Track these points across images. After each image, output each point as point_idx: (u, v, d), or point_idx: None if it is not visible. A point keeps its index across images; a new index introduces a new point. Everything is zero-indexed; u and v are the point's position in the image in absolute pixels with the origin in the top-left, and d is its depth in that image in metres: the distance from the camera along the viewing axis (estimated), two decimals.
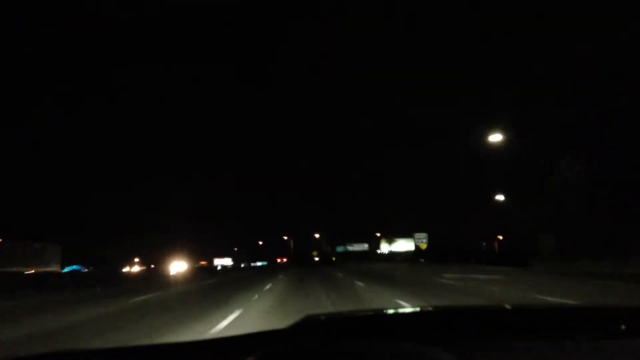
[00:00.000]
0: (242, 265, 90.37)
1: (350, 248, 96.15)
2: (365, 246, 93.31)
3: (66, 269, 66.07)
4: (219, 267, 60.28)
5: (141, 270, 55.56)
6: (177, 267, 54.37)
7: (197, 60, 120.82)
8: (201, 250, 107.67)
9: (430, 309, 2.73)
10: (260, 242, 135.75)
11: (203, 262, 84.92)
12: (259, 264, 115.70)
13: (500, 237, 68.78)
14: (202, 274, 45.00)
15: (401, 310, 2.11)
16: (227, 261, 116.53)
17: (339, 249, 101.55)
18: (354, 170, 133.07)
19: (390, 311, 2.04)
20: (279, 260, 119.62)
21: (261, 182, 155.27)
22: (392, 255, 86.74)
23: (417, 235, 54.25)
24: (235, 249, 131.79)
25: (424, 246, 61.69)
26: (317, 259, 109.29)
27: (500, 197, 52.17)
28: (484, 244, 66.32)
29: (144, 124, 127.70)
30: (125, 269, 58.78)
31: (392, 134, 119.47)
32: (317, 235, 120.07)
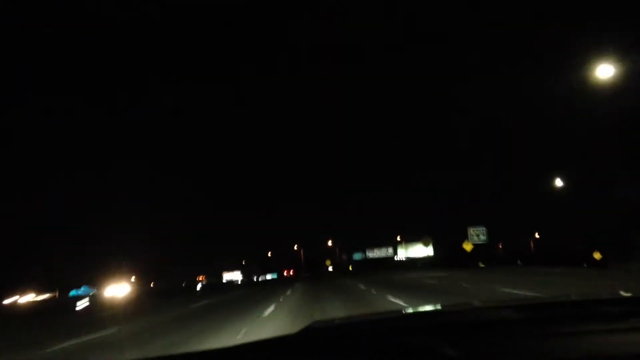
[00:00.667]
0: (240, 281, 74.39)
1: (370, 254, 79.76)
2: (390, 251, 77.12)
3: (74, 292, 52.14)
4: (198, 287, 44.71)
5: (34, 302, 38.58)
6: (113, 291, 37.83)
7: (195, 62, 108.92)
8: (206, 265, 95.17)
9: (439, 308, 2.33)
10: (270, 254, 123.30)
11: (201, 277, 69.72)
12: (268, 277, 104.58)
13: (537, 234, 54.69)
14: (156, 300, 29.63)
15: (410, 311, 2.00)
16: (237, 275, 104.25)
17: (356, 256, 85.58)
18: (361, 170, 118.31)
19: (401, 312, 1.97)
20: (285, 273, 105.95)
21: (264, 189, 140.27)
22: (412, 261, 71.83)
23: (472, 229, 38.82)
24: (244, 262, 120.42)
25: (469, 247, 45.98)
26: (331, 268, 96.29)
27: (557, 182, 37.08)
28: (500, 245, 53.29)
29: (144, 123, 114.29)
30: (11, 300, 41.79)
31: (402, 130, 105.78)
32: (330, 243, 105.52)
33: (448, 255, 59.42)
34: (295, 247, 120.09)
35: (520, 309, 1.75)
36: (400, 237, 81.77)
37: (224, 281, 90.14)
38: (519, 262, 42.51)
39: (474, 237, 38.54)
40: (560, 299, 2.04)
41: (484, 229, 38.27)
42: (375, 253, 78.94)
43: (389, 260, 76.52)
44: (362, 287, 22.70)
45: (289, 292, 23.71)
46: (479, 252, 46.97)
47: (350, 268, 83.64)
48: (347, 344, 1.39)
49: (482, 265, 39.07)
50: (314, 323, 1.62)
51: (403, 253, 76.59)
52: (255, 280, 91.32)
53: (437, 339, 1.31)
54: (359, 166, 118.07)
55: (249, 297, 25.40)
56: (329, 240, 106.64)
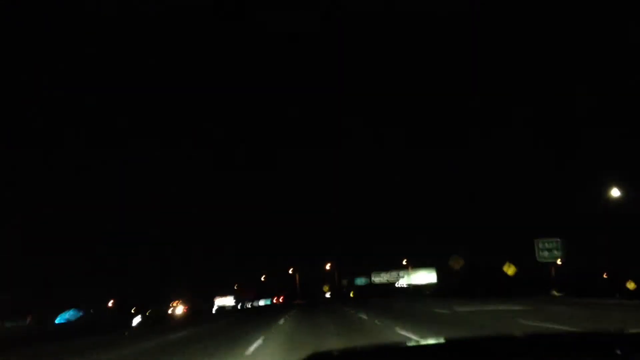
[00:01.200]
0: (215, 308, 60.64)
1: (376, 279, 67.38)
2: (400, 275, 64.94)
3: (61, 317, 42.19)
4: (134, 322, 32.05)
5: None
6: None
7: (192, 69, 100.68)
8: (197, 289, 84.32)
9: (440, 341, 2.39)
10: (263, 278, 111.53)
11: (175, 303, 54.78)
12: (262, 302, 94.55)
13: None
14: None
15: (409, 344, 1.93)
16: (229, 300, 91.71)
17: (359, 280, 73.48)
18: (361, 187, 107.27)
19: (400, 345, 1.90)
20: (275, 300, 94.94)
21: (259, 207, 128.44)
22: (417, 288, 60.70)
23: (542, 242, 27.25)
24: (236, 286, 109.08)
25: (512, 270, 34.64)
26: (328, 295, 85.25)
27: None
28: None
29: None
30: None
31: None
32: (328, 266, 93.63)
33: (465, 280, 47.84)
34: (291, 271, 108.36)
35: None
36: (406, 261, 70.70)
37: (215, 307, 79.09)
38: (555, 293, 31.58)
39: (544, 253, 27.41)
40: None
41: (560, 241, 26.80)
42: (382, 277, 66.78)
43: (390, 287, 65.28)
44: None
45: (258, 342, 12.24)
46: (532, 273, 35.72)
47: (352, 294, 71.90)
48: None
49: (557, 293, 27.68)
50: (313, 355, 1.55)
51: (415, 278, 65.04)
52: (240, 307, 79.42)
53: None
54: (359, 182, 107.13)
55: (199, 340, 14.02)
56: (327, 263, 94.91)
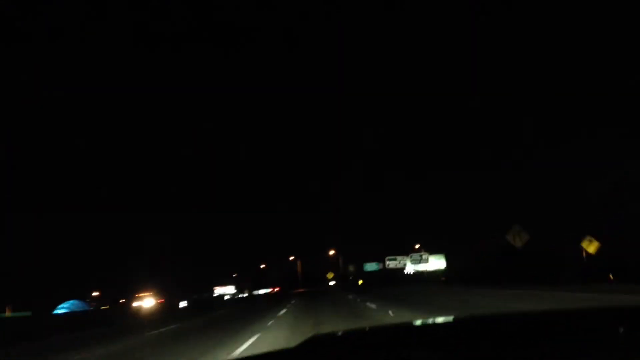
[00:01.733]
0: (185, 305, 49.28)
1: (392, 264, 56.72)
2: (424, 258, 54.27)
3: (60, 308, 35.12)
4: None
5: None
6: None
7: (192, 69, 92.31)
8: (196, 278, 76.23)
9: (448, 319, 2.23)
10: (263, 266, 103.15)
11: (144, 294, 42.85)
12: (261, 292, 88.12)
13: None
14: None
15: (410, 323, 1.89)
16: (230, 289, 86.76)
17: (369, 266, 63.13)
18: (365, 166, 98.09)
19: (398, 325, 1.88)
20: (271, 290, 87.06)
21: (261, 190, 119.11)
22: (428, 274, 51.29)
23: None
24: (235, 275, 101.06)
25: (594, 247, 24.62)
26: (332, 283, 74.88)
27: None
28: None
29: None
30: None
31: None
32: (332, 252, 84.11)
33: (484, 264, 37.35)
34: (291, 259, 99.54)
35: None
36: (419, 245, 60.93)
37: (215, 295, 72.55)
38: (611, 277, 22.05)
39: None
40: None
41: None
42: (398, 262, 56.23)
43: (398, 273, 55.69)
44: None
45: None
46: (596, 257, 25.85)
47: (360, 282, 62.00)
48: (349, 355, 1.34)
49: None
50: (315, 335, 1.54)
51: (430, 263, 55.10)
52: (235, 297, 70.54)
53: (440, 353, 1.24)
54: (362, 163, 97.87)
55: None
56: (330, 249, 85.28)
